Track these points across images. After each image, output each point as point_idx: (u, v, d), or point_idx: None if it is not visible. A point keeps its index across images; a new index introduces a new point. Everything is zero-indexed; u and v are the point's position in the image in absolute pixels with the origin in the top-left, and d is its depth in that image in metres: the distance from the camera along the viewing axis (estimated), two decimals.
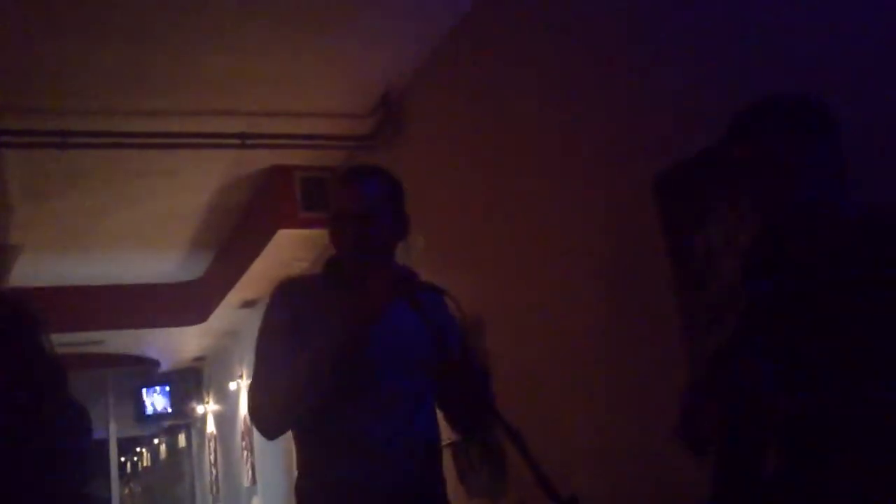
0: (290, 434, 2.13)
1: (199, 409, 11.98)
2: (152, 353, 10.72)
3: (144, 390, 12.41)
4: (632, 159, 3.00)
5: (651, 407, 2.78)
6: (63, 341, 1.18)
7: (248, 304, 7.40)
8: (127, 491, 15.87)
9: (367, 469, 2.00)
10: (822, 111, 1.76)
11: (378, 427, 2.02)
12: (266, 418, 2.04)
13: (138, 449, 17.61)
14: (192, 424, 13.45)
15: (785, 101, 1.78)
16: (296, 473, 2.16)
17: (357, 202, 2.10)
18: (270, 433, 2.07)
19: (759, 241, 1.89)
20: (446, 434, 2.22)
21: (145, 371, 11.67)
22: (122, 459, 15.32)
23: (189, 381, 12.30)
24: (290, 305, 2.10)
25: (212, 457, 11.73)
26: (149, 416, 12.61)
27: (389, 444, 2.02)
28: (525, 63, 3.63)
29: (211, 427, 11.69)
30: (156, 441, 16.54)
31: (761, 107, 1.78)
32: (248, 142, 4.87)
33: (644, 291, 2.97)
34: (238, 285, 6.96)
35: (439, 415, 2.21)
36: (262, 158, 5.45)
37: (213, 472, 11.67)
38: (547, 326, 3.55)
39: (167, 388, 12.53)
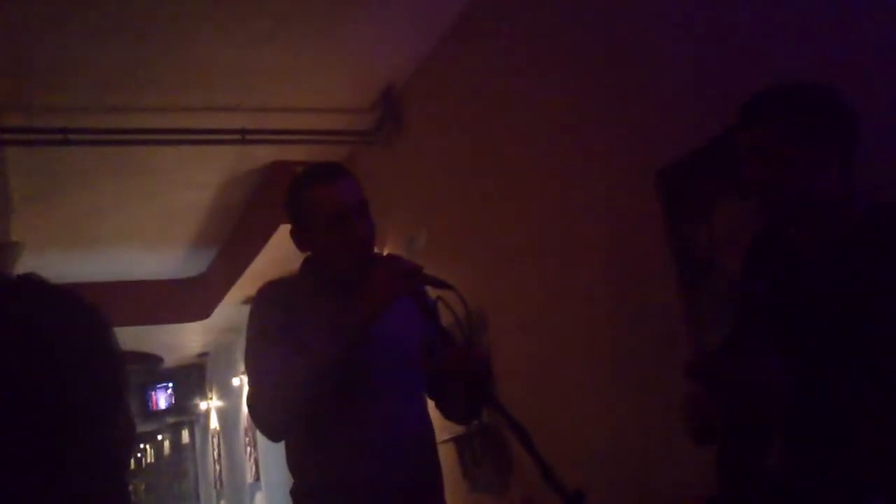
0: None
1: (203, 405, 12.00)
2: (155, 350, 10.73)
3: (148, 387, 12.45)
4: (633, 152, 2.99)
5: (655, 400, 2.79)
6: None
7: (250, 300, 7.37)
8: (131, 487, 15.93)
9: (363, 467, 1.97)
10: (834, 101, 1.70)
11: (371, 423, 2.00)
12: (273, 422, 1.99)
13: (142, 445, 17.65)
14: (195, 420, 13.48)
15: (795, 89, 1.72)
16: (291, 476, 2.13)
17: (355, 193, 2.05)
18: (278, 436, 2.04)
19: (759, 235, 1.85)
20: (449, 428, 2.21)
21: (149, 368, 11.70)
22: None
23: (192, 378, 12.33)
24: (279, 308, 2.06)
25: (215, 453, 11.75)
26: (153, 412, 12.65)
27: (384, 439, 1.99)
28: (525, 58, 3.62)
29: (214, 423, 11.70)
30: (159, 437, 16.59)
31: (771, 94, 1.73)
32: (249, 137, 4.87)
33: (647, 284, 2.97)
34: (240, 281, 6.97)
35: (431, 406, 2.19)
36: (264, 154, 5.46)
37: (217, 468, 11.69)
38: (549, 320, 3.55)
39: (170, 385, 12.57)
